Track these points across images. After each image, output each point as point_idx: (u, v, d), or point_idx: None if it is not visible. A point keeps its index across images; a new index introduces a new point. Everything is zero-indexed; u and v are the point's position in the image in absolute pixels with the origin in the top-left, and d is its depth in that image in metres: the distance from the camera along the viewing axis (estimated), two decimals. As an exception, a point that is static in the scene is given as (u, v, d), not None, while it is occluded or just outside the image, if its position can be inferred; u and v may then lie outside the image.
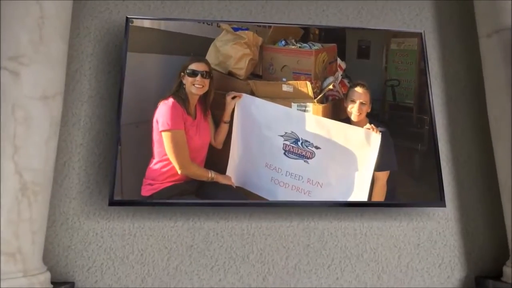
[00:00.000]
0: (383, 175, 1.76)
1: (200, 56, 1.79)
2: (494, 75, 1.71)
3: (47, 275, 1.39)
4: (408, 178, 1.79)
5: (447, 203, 1.77)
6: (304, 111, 1.81)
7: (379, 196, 1.73)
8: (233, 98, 1.78)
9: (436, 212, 1.77)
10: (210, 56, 1.82)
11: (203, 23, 1.88)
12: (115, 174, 1.60)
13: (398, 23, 2.00)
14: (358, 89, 1.83)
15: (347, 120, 1.81)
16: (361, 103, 1.81)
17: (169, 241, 1.63)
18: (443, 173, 1.79)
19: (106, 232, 1.61)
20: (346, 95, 1.83)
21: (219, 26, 1.87)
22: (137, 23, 1.81)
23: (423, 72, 1.91)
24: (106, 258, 1.58)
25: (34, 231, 1.35)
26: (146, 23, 1.83)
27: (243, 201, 1.68)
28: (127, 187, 1.65)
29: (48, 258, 1.56)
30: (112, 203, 1.58)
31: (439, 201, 1.72)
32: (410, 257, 1.70)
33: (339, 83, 1.88)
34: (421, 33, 1.94)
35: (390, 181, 1.76)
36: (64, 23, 1.57)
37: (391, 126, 1.83)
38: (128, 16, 1.78)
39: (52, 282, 1.49)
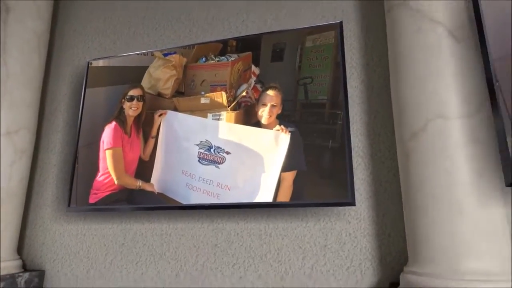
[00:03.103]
0: (289, 175, 1.74)
1: (137, 83, 2.12)
2: (390, 56, 1.54)
3: (13, 263, 1.89)
4: (317, 177, 1.72)
5: (361, 202, 1.64)
6: (218, 119, 1.94)
7: (285, 196, 1.73)
8: (160, 115, 2.04)
9: (347, 211, 1.66)
10: (145, 81, 2.13)
11: (141, 54, 2.21)
12: (71, 186, 2.03)
13: (318, 17, 1.95)
14: (270, 92, 1.88)
15: (257, 123, 1.86)
16: (272, 106, 1.84)
17: (107, 240, 1.97)
18: (358, 170, 1.68)
19: (66, 233, 2.05)
20: (258, 100, 1.89)
21: (153, 55, 2.16)
22: (94, 64, 2.26)
23: (339, 65, 1.82)
24: (65, 253, 2.01)
25: None
26: (100, 63, 2.26)
27: (161, 205, 1.91)
28: (81, 196, 2.06)
29: (30, 251, 2.07)
30: (68, 209, 2.01)
31: (348, 199, 1.61)
32: (315, 259, 1.64)
33: (252, 89, 1.94)
34: (338, 24, 1.85)
35: (297, 181, 1.73)
36: (30, 76, 2.11)
37: (302, 125, 1.80)
38: (88, 60, 2.24)
39: (29, 270, 2.00)
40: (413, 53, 1.37)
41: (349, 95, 1.75)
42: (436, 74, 1.31)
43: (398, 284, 1.45)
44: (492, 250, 1.17)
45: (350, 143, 1.66)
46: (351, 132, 1.70)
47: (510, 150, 1.34)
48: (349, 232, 1.63)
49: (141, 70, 2.17)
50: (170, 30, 2.20)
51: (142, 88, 2.10)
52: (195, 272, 1.78)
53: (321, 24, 1.92)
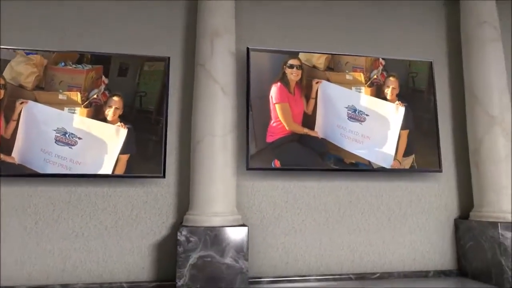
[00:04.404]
0: (124, 157, 2.66)
1: (-1, 73, 2.59)
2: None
3: None
4: (143, 159, 2.70)
5: (169, 176, 2.72)
6: (73, 113, 2.66)
7: (120, 171, 2.64)
8: (21, 103, 2.59)
9: (160, 181, 2.71)
10: (6, 73, 2.61)
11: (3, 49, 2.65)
12: None
13: (155, 49, 2.85)
14: (115, 98, 2.70)
15: (104, 119, 2.68)
16: (116, 108, 2.68)
17: (-31, 200, 2.49)
18: (170, 156, 2.73)
19: None
20: (105, 102, 2.69)
21: (15, 52, 2.65)
22: (-49, 48, 2.56)
23: (165, 86, 2.79)
24: None
25: None
26: (-42, 49, 2.58)
27: (21, 173, 2.55)
28: None
29: None
30: None
31: (161, 174, 2.65)
32: (139, 209, 2.66)
33: (102, 94, 2.73)
34: (166, 58, 2.80)
35: (129, 161, 2.66)
36: None
37: (136, 124, 2.72)
38: None
39: None
40: (204, 97, 2.50)
41: (169, 108, 2.75)
42: (212, 111, 2.47)
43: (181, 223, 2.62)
44: (225, 203, 2.44)
45: (166, 139, 2.69)
46: (168, 132, 2.72)
47: (250, 151, 2.63)
48: (161, 193, 2.70)
49: (2, 62, 2.63)
50: (34, 33, 2.71)
51: (3, 78, 2.59)
52: (51, 221, 2.55)
53: (155, 55, 2.84)
